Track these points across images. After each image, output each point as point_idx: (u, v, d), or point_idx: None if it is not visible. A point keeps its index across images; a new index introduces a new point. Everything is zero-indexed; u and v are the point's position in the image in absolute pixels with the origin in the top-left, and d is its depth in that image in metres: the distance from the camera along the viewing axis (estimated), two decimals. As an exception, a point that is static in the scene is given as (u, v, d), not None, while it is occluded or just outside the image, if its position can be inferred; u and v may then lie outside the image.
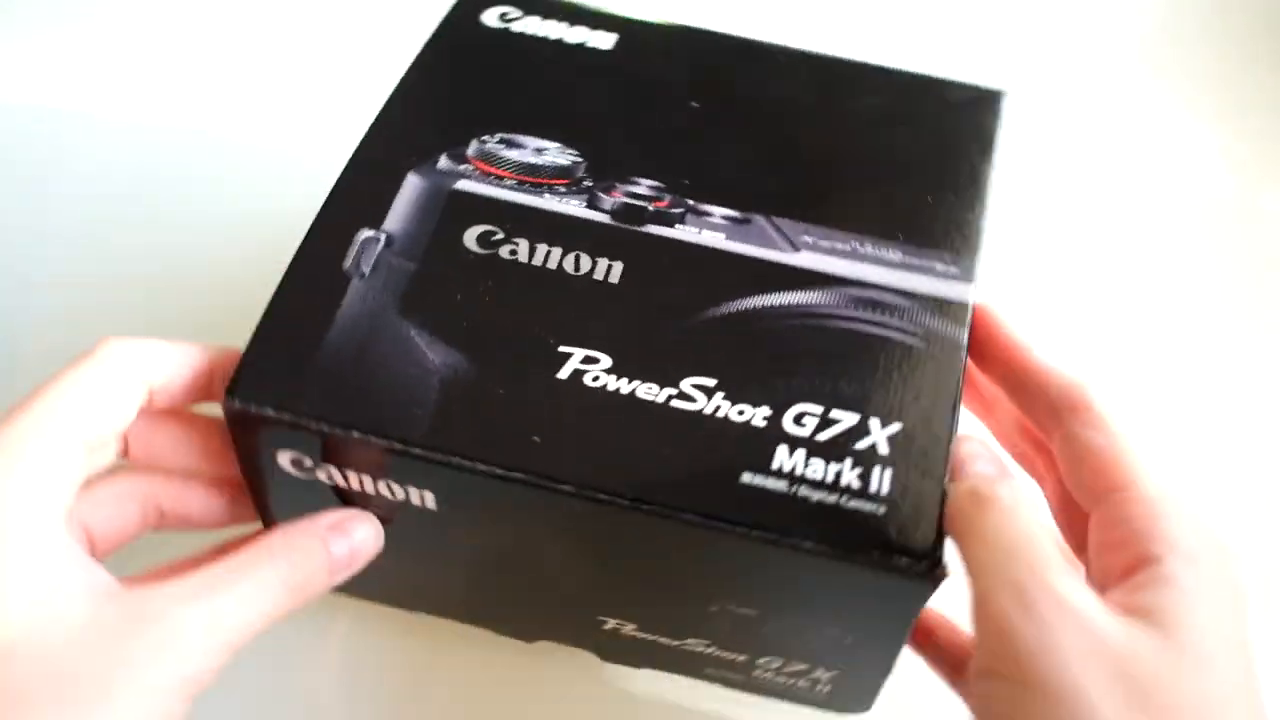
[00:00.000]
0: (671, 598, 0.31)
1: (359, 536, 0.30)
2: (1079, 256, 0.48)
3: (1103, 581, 0.26)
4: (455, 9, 0.37)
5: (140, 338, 0.29)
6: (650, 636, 0.33)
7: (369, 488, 0.29)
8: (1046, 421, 0.29)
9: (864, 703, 0.34)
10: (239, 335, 0.29)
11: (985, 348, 0.30)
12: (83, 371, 0.28)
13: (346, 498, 0.30)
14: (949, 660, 0.32)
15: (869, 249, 0.31)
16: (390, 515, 0.30)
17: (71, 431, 0.27)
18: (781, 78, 0.36)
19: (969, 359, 0.30)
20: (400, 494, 0.29)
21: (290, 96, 0.53)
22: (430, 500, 0.29)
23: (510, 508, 0.28)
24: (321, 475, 0.29)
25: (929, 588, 0.27)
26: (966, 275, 0.31)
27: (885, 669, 0.31)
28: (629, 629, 0.33)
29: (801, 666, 0.32)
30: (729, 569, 0.28)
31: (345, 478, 0.29)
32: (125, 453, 0.30)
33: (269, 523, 0.31)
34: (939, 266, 0.31)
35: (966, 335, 0.30)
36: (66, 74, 0.54)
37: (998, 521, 0.25)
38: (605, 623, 0.33)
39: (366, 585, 0.31)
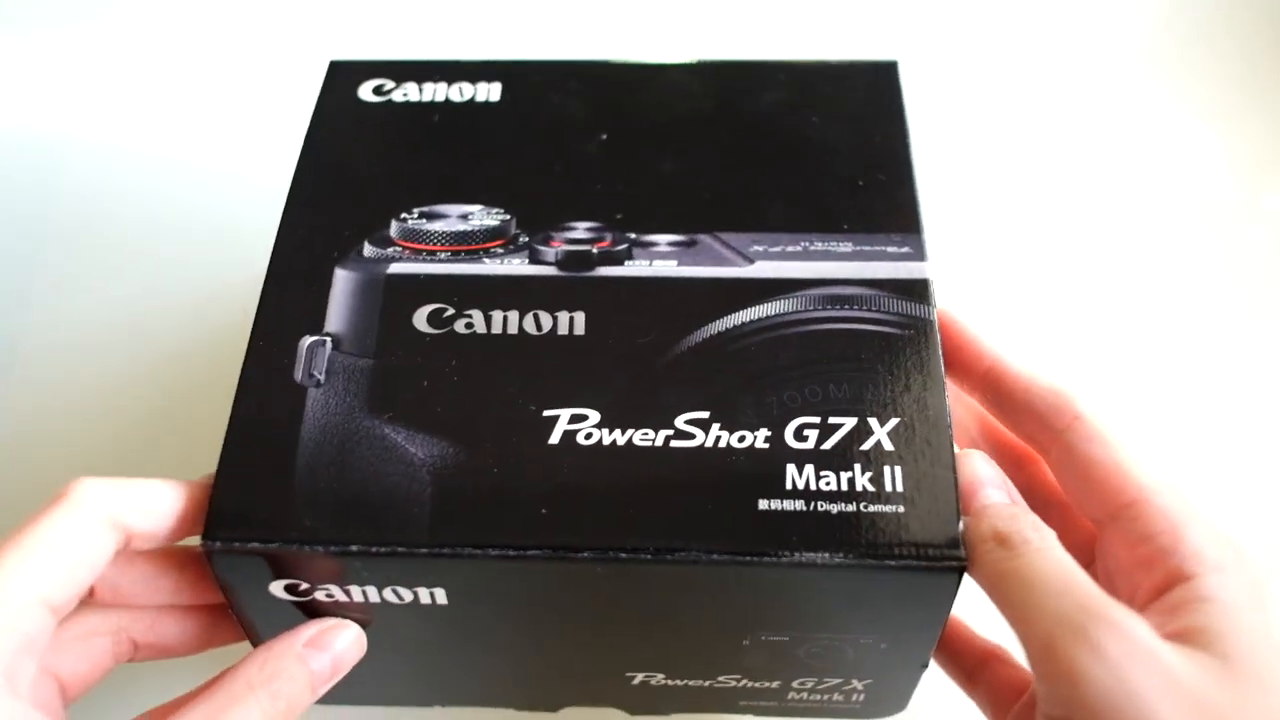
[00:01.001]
0: (703, 640, 0.30)
1: (340, 646, 0.28)
2: (1079, 257, 0.48)
3: (1130, 599, 0.25)
4: (327, 87, 0.36)
5: (117, 480, 0.26)
6: (680, 682, 0.32)
7: (374, 597, 0.27)
8: (1039, 435, 0.28)
9: (899, 703, 0.33)
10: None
11: (956, 358, 0.30)
12: (53, 523, 0.25)
13: (347, 610, 0.28)
14: (1000, 697, 0.30)
15: (819, 245, 0.31)
16: (395, 618, 0.28)
17: (36, 596, 0.25)
18: (678, 93, 0.36)
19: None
20: (408, 596, 0.27)
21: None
22: (441, 596, 0.27)
23: (528, 586, 0.27)
24: (320, 595, 0.27)
25: (960, 577, 0.26)
26: (919, 254, 0.31)
27: (919, 668, 0.31)
28: (658, 679, 0.32)
29: (836, 681, 0.32)
30: (760, 600, 0.28)
31: (347, 593, 0.27)
32: (91, 595, 0.28)
33: (257, 641, 0.29)
34: (890, 249, 0.31)
35: (935, 313, 0.30)
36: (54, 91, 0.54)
37: (1035, 563, 0.25)
38: (634, 678, 0.32)
39: (366, 690, 0.29)
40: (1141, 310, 0.46)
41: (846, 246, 0.31)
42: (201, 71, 0.55)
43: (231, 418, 0.28)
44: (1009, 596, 0.25)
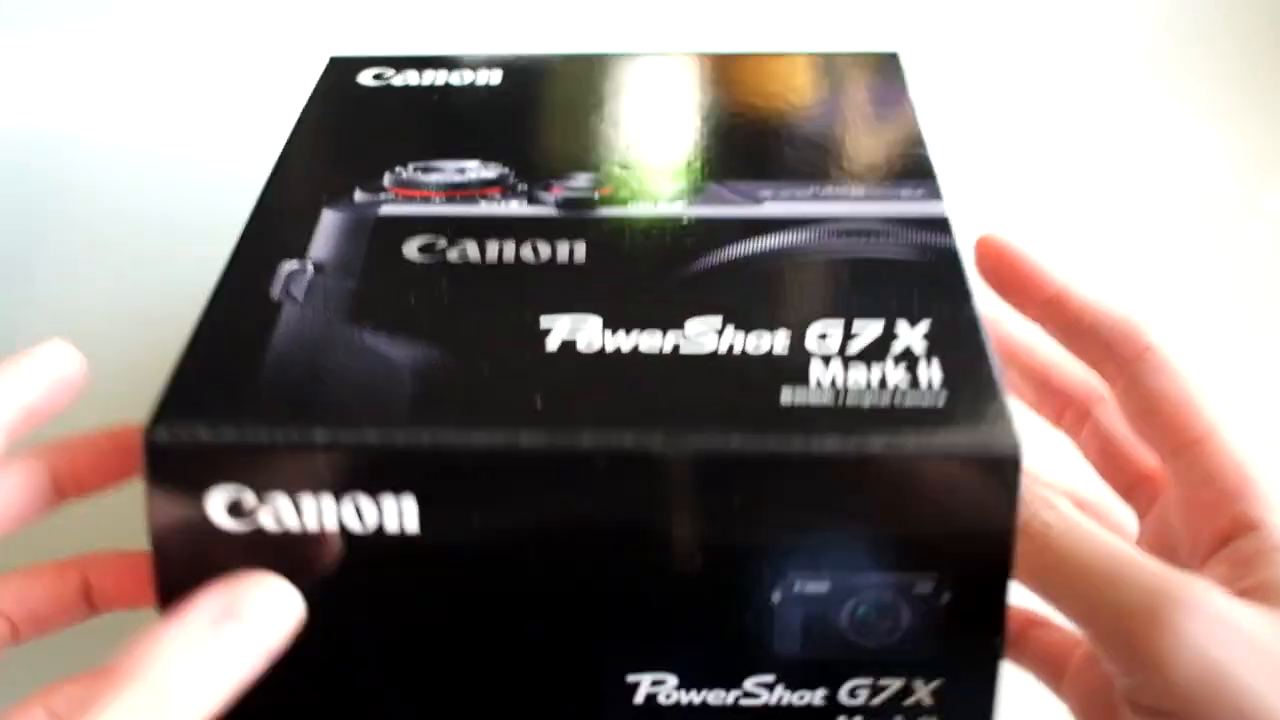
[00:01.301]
0: (724, 600, 0.26)
1: (258, 608, 0.22)
2: (1080, 256, 0.47)
3: (1193, 543, 0.24)
4: (327, 74, 0.36)
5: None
6: (697, 696, 0.27)
7: (330, 516, 0.24)
8: (1105, 365, 0.27)
9: None
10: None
11: (1018, 283, 0.28)
12: None
13: (291, 554, 0.24)
14: (1051, 662, 0.28)
15: (830, 190, 0.30)
16: (354, 566, 0.24)
17: None
18: (681, 81, 0.36)
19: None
20: (373, 515, 0.23)
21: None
22: (411, 515, 0.23)
23: (513, 501, 0.24)
24: (266, 518, 0.23)
25: (1018, 469, 0.23)
26: (935, 195, 0.30)
27: (996, 645, 0.26)
28: (668, 689, 0.27)
29: (895, 683, 0.27)
30: (788, 515, 0.24)
31: (299, 509, 0.23)
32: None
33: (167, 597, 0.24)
34: (904, 193, 0.30)
35: (957, 244, 0.28)
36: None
37: (1067, 547, 0.23)
38: (636, 687, 0.27)
39: None
40: (1141, 309, 0.45)
41: (859, 192, 0.30)
42: (201, 71, 0.56)
43: (200, 320, 0.26)
44: (1051, 590, 0.23)
